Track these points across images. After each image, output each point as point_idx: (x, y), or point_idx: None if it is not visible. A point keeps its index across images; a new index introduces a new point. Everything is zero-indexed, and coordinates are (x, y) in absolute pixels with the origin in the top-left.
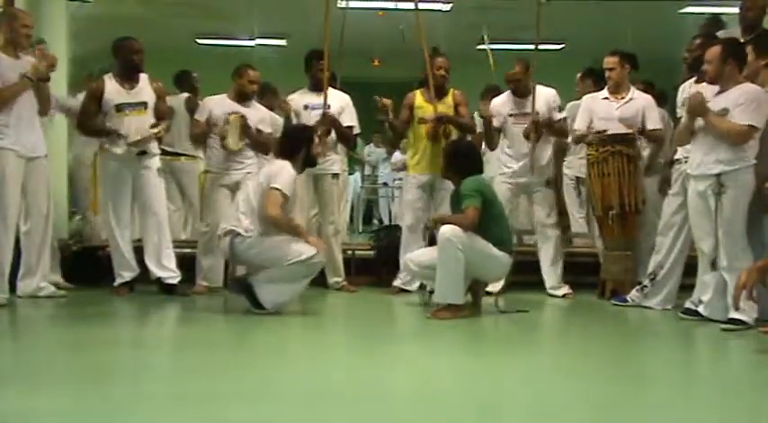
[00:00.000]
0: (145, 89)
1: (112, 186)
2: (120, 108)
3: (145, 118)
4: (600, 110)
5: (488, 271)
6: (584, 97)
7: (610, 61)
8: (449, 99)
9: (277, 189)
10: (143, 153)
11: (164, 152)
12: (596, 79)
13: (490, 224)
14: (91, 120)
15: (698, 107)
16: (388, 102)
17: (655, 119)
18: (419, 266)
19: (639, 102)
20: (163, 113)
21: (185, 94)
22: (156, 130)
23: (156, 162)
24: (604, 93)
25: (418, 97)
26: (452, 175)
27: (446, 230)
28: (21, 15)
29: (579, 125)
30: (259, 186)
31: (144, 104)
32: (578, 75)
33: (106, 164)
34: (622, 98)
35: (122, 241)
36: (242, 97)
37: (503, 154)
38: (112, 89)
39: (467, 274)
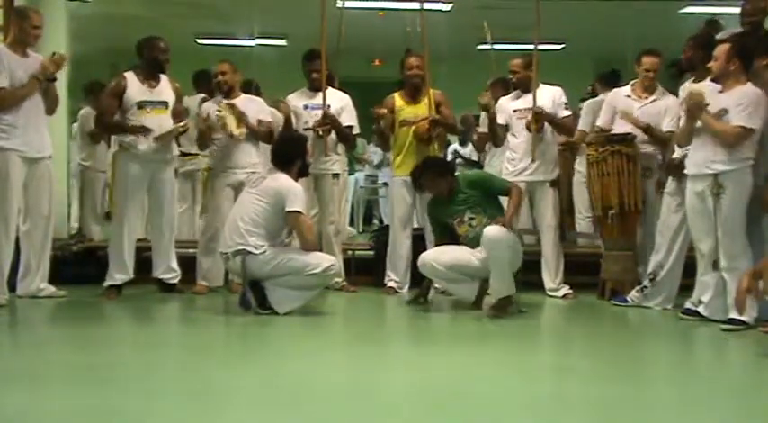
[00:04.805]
0: (166, 89)
1: (130, 186)
2: (141, 105)
3: (165, 117)
4: (620, 107)
5: (516, 260)
6: (610, 93)
7: (653, 62)
8: (429, 99)
9: (300, 213)
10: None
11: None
12: (607, 81)
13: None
14: (111, 117)
15: (694, 106)
16: (384, 111)
17: (668, 123)
18: (446, 267)
19: (662, 103)
20: (179, 114)
21: (201, 95)
22: (181, 124)
23: (175, 163)
24: (627, 90)
25: (398, 99)
26: (445, 186)
27: (495, 231)
28: (31, 15)
29: (602, 120)
30: (261, 202)
31: (165, 104)
32: (595, 79)
33: (125, 164)
34: (646, 98)
35: (127, 243)
36: (224, 93)
37: (509, 151)
38: (135, 86)
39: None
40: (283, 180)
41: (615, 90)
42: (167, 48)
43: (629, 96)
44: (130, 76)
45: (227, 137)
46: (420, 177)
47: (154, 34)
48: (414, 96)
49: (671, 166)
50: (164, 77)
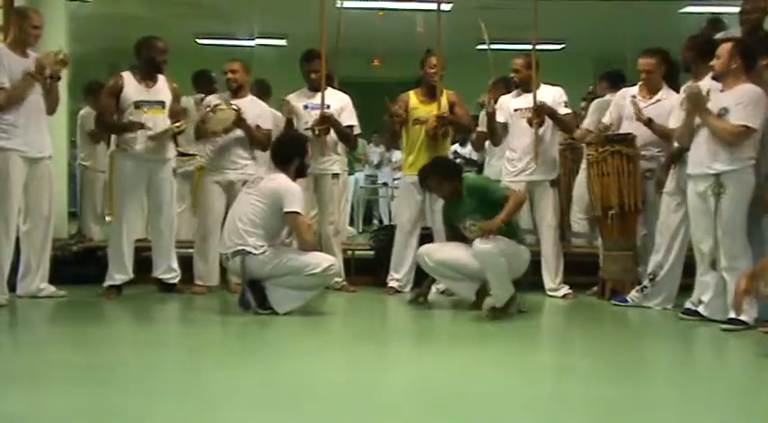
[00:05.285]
0: (163, 89)
1: (127, 187)
2: (138, 105)
3: (162, 117)
4: (627, 109)
5: (518, 266)
6: (619, 93)
7: (647, 63)
8: (443, 99)
9: (298, 213)
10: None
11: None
12: (612, 81)
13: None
14: (111, 116)
15: (695, 102)
16: (401, 111)
17: (674, 121)
18: (436, 263)
19: (668, 103)
20: (176, 114)
21: (199, 95)
22: (177, 125)
23: (172, 163)
24: (634, 90)
25: (412, 98)
26: (451, 190)
27: (482, 245)
28: (31, 15)
29: (607, 119)
30: (259, 203)
31: (162, 103)
32: (597, 78)
33: (122, 164)
34: (650, 98)
35: (127, 243)
36: (233, 91)
37: (509, 151)
38: (132, 86)
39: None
40: (280, 180)
41: (623, 90)
42: (166, 48)
43: (634, 97)
44: (128, 76)
45: (208, 130)
46: (426, 178)
47: (153, 34)
48: (430, 96)
49: (672, 154)
50: (161, 77)
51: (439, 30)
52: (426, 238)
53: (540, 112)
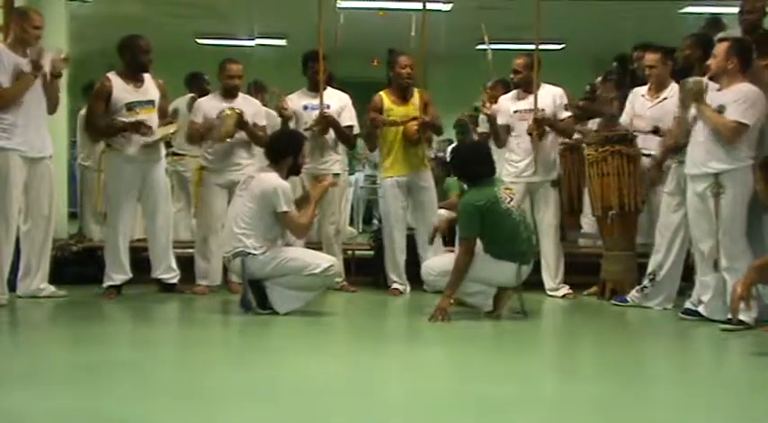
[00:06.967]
0: (151, 88)
1: (121, 187)
2: (130, 106)
3: (154, 116)
4: (636, 106)
5: (495, 278)
6: (631, 93)
7: (651, 58)
8: (416, 99)
9: (287, 212)
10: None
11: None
12: (616, 82)
13: (495, 241)
14: (102, 120)
15: (696, 92)
16: (382, 118)
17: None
18: (433, 273)
19: (671, 102)
20: (165, 111)
21: (190, 95)
22: (172, 131)
23: (164, 162)
24: (644, 89)
25: (385, 99)
26: (463, 181)
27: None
28: (32, 15)
29: (623, 118)
30: (251, 205)
31: (152, 102)
32: (598, 79)
33: (115, 164)
34: (657, 97)
35: (123, 243)
36: (228, 93)
37: (508, 152)
38: (120, 88)
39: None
40: (268, 181)
41: (635, 89)
42: (149, 47)
43: (644, 96)
44: (114, 78)
45: (214, 138)
46: (452, 153)
47: (140, 34)
48: (402, 96)
49: (666, 150)
50: (147, 76)
51: (423, 29)
52: (409, 238)
53: (540, 124)
